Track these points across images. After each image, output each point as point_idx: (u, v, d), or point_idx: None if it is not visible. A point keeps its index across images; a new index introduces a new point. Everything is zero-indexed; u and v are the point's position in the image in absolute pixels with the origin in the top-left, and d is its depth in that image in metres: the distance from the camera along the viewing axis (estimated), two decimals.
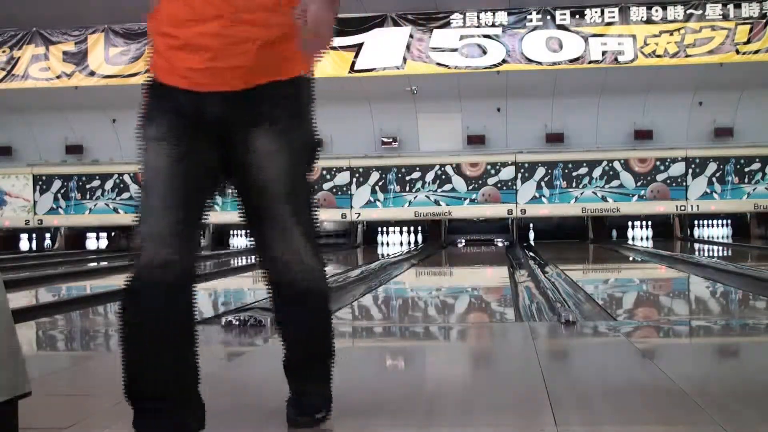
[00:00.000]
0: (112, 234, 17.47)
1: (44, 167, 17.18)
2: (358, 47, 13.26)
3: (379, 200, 16.10)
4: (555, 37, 13.02)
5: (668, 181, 15.82)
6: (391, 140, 16.21)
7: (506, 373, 3.26)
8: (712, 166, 15.78)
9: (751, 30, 12.66)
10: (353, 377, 3.20)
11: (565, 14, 12.95)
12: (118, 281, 7.95)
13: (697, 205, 15.73)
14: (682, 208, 15.79)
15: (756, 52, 12.72)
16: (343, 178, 16.28)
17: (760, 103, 15.80)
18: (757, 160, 15.71)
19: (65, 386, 3.09)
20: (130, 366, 1.96)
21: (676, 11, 12.78)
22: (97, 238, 17.21)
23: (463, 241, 16.01)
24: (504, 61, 13.17)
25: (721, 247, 13.61)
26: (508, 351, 3.95)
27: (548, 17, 13.00)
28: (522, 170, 15.99)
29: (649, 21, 12.80)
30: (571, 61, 13.05)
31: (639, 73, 14.32)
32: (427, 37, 13.16)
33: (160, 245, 1.92)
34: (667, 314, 5.68)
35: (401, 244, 15.98)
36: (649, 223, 16.36)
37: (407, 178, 16.06)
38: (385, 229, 16.39)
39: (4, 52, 13.90)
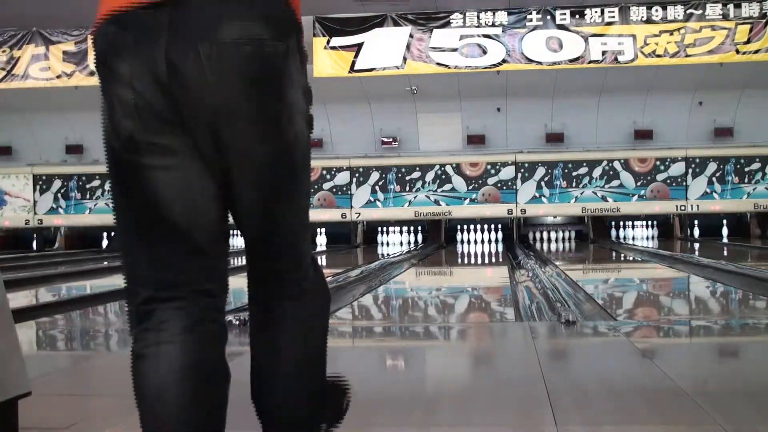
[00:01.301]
0: (112, 234, 17.49)
1: (44, 167, 17.19)
2: (358, 47, 13.26)
3: (379, 200, 16.10)
4: (555, 37, 13.02)
5: (668, 181, 15.82)
6: (391, 140, 16.22)
7: (506, 373, 3.25)
8: (712, 166, 15.79)
9: (751, 30, 12.66)
10: (353, 377, 3.20)
11: (565, 14, 12.95)
12: (118, 281, 7.92)
13: (697, 205, 15.74)
14: (682, 208, 15.80)
15: (756, 52, 12.72)
16: (343, 178, 16.28)
17: (760, 103, 15.80)
18: (757, 160, 15.71)
19: (65, 386, 3.09)
20: None
21: (676, 11, 12.78)
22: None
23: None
24: (504, 61, 13.16)
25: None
26: (508, 351, 3.95)
27: (548, 17, 13.00)
28: (522, 170, 15.99)
29: (649, 21, 12.79)
30: (571, 61, 13.04)
31: (639, 73, 14.32)
32: (427, 37, 13.15)
33: None
34: (667, 314, 5.68)
35: (401, 244, 15.99)
36: (654, 222, 16.37)
37: (407, 178, 16.06)
38: (385, 229, 16.39)
39: (4, 52, 13.89)
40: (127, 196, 1.53)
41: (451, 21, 13.13)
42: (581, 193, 15.90)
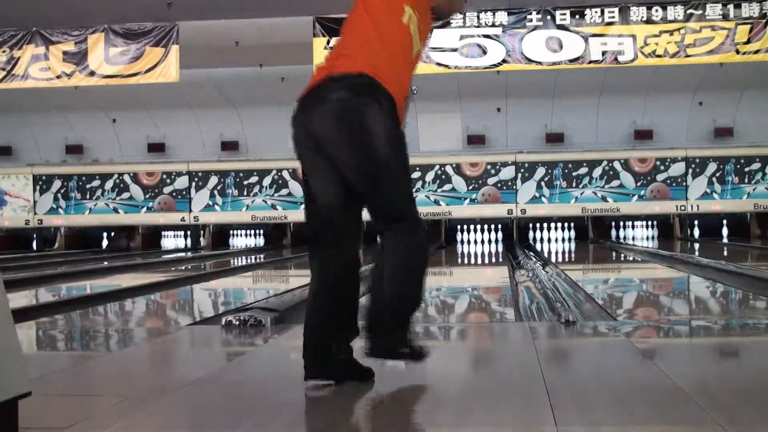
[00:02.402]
0: (112, 234, 17.48)
1: (44, 167, 17.19)
2: None
3: None
4: (555, 37, 13.01)
5: (668, 181, 15.82)
6: None
7: (506, 373, 3.26)
8: (712, 166, 15.79)
9: (751, 30, 12.65)
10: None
11: (565, 14, 12.94)
12: (118, 281, 7.90)
13: (697, 205, 15.74)
14: (682, 208, 15.80)
15: (756, 52, 12.71)
16: None
17: (760, 103, 15.80)
18: (757, 160, 15.72)
19: (65, 386, 3.09)
20: None
21: (676, 11, 12.77)
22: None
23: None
24: (504, 61, 13.15)
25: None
26: (508, 351, 3.95)
27: (548, 17, 12.99)
28: (522, 170, 15.99)
29: (649, 21, 12.78)
30: (571, 61, 13.04)
31: (639, 73, 14.32)
32: None
33: None
34: (667, 314, 5.68)
35: None
36: (654, 222, 16.38)
37: None
38: None
39: (4, 52, 13.89)
40: None
41: (450, 21, 13.12)
42: (581, 194, 15.90)
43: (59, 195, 16.93)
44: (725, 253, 13.00)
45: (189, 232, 17.13)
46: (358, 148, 2.66)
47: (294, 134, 2.79)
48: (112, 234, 17.45)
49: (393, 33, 2.74)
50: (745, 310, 5.71)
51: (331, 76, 2.70)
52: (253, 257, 14.17)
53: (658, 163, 15.83)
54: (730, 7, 12.66)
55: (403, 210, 2.81)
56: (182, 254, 14.95)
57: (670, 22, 12.79)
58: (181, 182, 16.71)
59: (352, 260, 2.97)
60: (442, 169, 16.02)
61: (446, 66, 13.31)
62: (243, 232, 17.26)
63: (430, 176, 15.99)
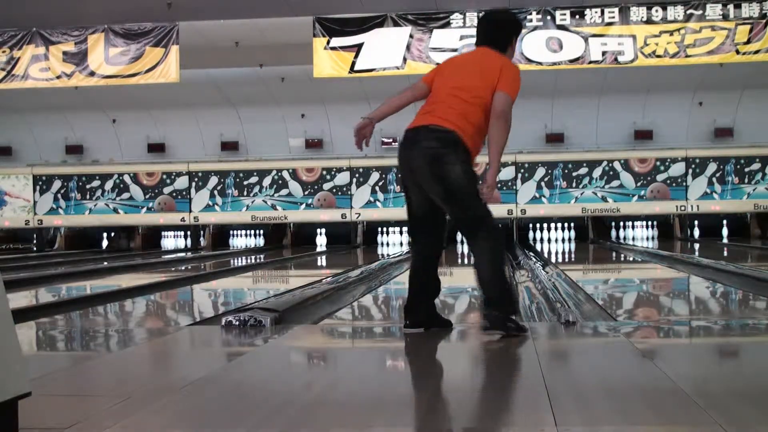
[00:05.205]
0: (112, 234, 17.48)
1: (44, 167, 17.19)
2: (358, 47, 13.26)
3: (379, 200, 16.10)
4: (555, 37, 13.01)
5: (668, 181, 15.82)
6: (391, 140, 16.22)
7: (506, 373, 3.26)
8: (712, 166, 15.79)
9: (751, 30, 12.65)
10: (353, 377, 3.20)
11: (565, 14, 12.95)
12: (118, 281, 7.88)
13: (698, 205, 15.75)
14: (683, 208, 15.80)
15: (756, 52, 12.71)
16: (343, 178, 16.28)
17: (760, 103, 15.81)
18: (757, 160, 15.72)
19: (65, 386, 3.09)
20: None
21: (676, 11, 12.77)
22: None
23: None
24: None
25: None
26: (508, 351, 3.95)
27: (548, 17, 12.99)
28: (522, 170, 15.99)
29: (649, 21, 12.79)
30: (571, 61, 13.04)
31: (639, 73, 14.32)
32: (427, 38, 13.15)
33: None
34: (667, 314, 5.68)
35: (401, 244, 15.98)
36: (654, 223, 16.38)
37: None
38: (385, 229, 16.38)
39: (4, 52, 13.89)
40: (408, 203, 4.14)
41: (451, 21, 13.13)
42: (581, 194, 15.90)
43: (59, 195, 16.94)
44: (725, 253, 12.99)
45: (189, 233, 17.13)
46: (437, 181, 3.86)
47: (399, 162, 4.02)
48: (112, 234, 17.46)
49: (483, 129, 4.07)
50: (745, 310, 5.72)
51: (426, 126, 3.91)
52: (253, 257, 14.18)
53: (658, 163, 15.84)
54: (730, 7, 12.67)
55: (478, 221, 3.86)
56: (182, 254, 14.95)
57: (670, 22, 12.79)
58: (181, 182, 16.71)
59: (428, 256, 4.16)
60: None
61: None
62: (243, 232, 17.27)
63: None
